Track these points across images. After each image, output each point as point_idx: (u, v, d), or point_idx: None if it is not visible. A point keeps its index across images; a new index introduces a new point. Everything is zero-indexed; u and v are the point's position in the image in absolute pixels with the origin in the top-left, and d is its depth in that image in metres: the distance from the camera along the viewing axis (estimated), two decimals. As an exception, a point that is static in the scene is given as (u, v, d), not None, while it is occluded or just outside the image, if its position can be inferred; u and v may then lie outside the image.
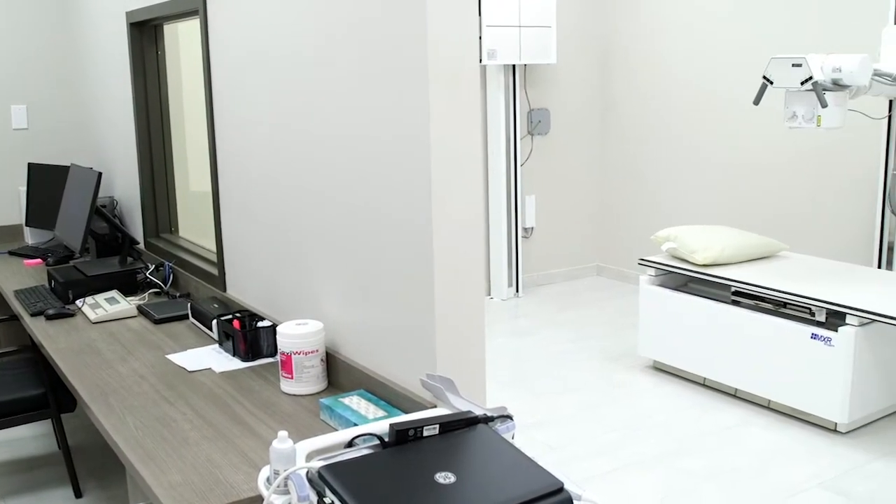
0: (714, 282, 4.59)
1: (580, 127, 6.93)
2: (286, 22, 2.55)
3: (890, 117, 4.74)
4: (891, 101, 4.71)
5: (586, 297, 6.57)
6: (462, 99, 2.02)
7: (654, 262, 4.82)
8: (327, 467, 1.58)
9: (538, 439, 4.10)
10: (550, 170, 6.83)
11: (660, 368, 4.97)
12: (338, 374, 2.48)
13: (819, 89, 4.14)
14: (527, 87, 6.57)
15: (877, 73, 4.37)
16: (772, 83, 4.28)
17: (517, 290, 6.63)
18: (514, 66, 6.34)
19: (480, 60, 6.00)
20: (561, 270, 7.04)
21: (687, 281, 4.91)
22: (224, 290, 3.32)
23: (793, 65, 4.20)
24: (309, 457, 1.71)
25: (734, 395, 4.55)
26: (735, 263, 4.69)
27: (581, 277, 7.15)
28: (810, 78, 4.14)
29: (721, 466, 3.80)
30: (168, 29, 3.86)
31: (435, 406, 2.05)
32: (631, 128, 6.75)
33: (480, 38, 5.97)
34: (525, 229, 6.75)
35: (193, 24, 3.53)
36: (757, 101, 4.39)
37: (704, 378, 4.69)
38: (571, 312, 6.17)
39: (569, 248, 7.06)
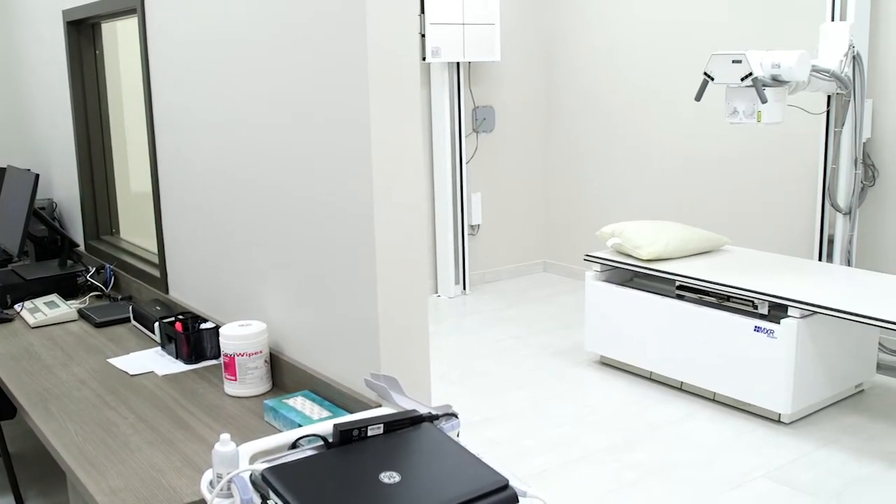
0: (659, 276, 4.63)
1: (525, 124, 6.95)
2: (224, 20, 2.52)
3: (828, 112, 4.81)
4: (829, 97, 4.78)
5: (533, 293, 6.60)
6: (402, 91, 2.01)
7: (599, 258, 4.85)
8: (271, 469, 1.56)
9: (486, 436, 4.10)
10: (496, 167, 6.84)
11: (606, 363, 5.00)
12: (282, 375, 2.46)
13: (759, 85, 4.19)
14: (471, 84, 6.58)
15: (815, 69, 4.44)
16: (713, 79, 4.32)
17: (464, 288, 6.64)
18: (458, 63, 6.34)
19: (424, 58, 6.00)
20: (508, 267, 7.06)
21: (632, 276, 4.94)
22: (166, 292, 3.28)
23: (733, 61, 4.25)
24: (252, 459, 1.69)
25: (680, 388, 4.60)
26: (679, 258, 4.74)
27: (528, 274, 7.18)
28: (750, 74, 4.19)
29: (668, 459, 3.84)
30: (107, 28, 3.80)
31: (380, 405, 2.04)
32: (576, 124, 6.79)
33: (424, 35, 5.96)
34: (471, 227, 6.76)
35: (132, 23, 3.48)
36: (698, 98, 4.43)
37: (651, 372, 4.73)
38: (519, 309, 6.18)
39: (516, 245, 7.08)
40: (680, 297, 4.49)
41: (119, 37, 3.76)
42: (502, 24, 6.65)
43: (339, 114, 2.07)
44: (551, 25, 6.84)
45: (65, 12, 3.76)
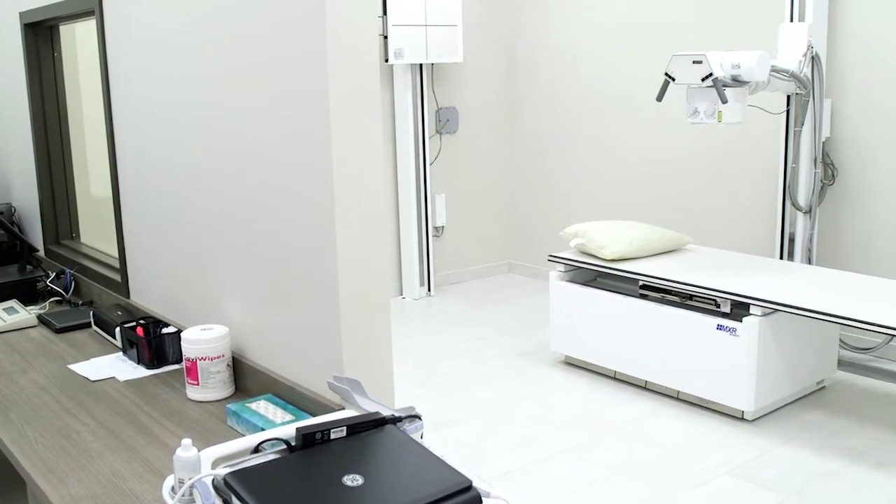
0: (622, 276, 4.65)
1: (488, 125, 6.96)
2: (183, 24, 2.50)
3: (788, 112, 4.86)
4: (788, 97, 4.83)
5: (498, 294, 6.61)
6: (363, 90, 2.00)
7: (563, 259, 4.87)
8: (233, 474, 1.55)
9: (452, 437, 4.10)
10: (460, 168, 6.85)
11: (571, 363, 5.02)
12: (245, 378, 2.44)
13: (719, 85, 4.22)
14: (434, 86, 6.58)
15: (774, 70, 4.48)
16: (674, 80, 4.35)
17: (429, 290, 6.63)
18: (420, 65, 6.34)
19: (387, 60, 5.99)
20: (473, 268, 7.06)
21: (596, 276, 4.96)
22: (128, 296, 3.25)
23: (693, 62, 4.28)
24: (215, 464, 1.68)
25: (644, 387, 4.62)
26: (642, 258, 4.76)
27: (493, 275, 7.19)
28: (711, 74, 4.22)
29: (633, 457, 3.85)
30: (65, 29, 3.76)
31: (343, 408, 2.03)
32: (539, 125, 6.81)
33: (386, 37, 5.96)
34: (436, 228, 6.76)
35: (91, 25, 3.44)
36: (660, 98, 4.46)
37: (615, 371, 4.75)
38: (483, 310, 6.19)
39: (480, 246, 7.09)
40: (643, 297, 4.51)
41: (78, 39, 3.72)
42: (465, 26, 6.66)
43: (300, 114, 2.06)
44: (514, 27, 6.86)
45: (21, 14, 3.72)
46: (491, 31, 6.83)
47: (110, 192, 3.45)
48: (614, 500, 3.50)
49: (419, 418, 1.77)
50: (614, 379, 4.76)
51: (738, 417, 4.21)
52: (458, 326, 5.82)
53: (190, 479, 1.59)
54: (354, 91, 1.99)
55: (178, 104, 2.63)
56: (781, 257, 5.01)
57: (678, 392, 4.45)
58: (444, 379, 4.86)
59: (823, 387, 4.57)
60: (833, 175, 4.99)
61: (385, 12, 5.92)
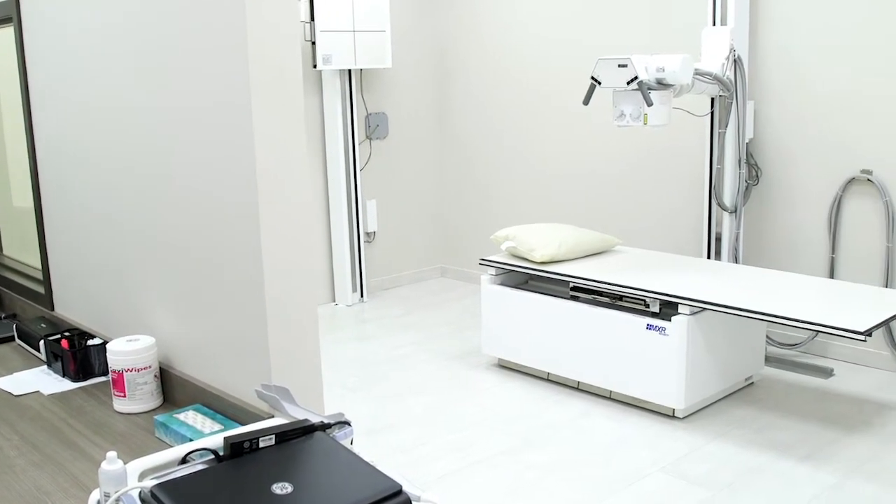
0: (553, 278, 4.68)
1: (418, 130, 6.97)
2: (103, 30, 2.47)
3: (712, 114, 4.94)
4: (713, 99, 4.91)
5: (431, 299, 6.61)
6: (285, 88, 1.99)
7: (494, 262, 4.89)
8: (160, 486, 1.53)
9: (387, 443, 4.09)
10: (390, 173, 6.84)
11: (504, 366, 5.04)
12: (173, 389, 2.41)
13: (644, 89, 4.28)
14: (363, 91, 6.56)
15: (698, 73, 4.55)
16: (600, 83, 4.40)
17: (362, 296, 6.61)
18: (349, 70, 6.32)
19: (315, 66, 5.96)
20: (405, 273, 7.06)
21: (527, 279, 4.99)
22: (52, 308, 3.18)
23: (619, 65, 4.33)
24: (141, 476, 1.65)
25: (577, 388, 4.66)
26: (572, 260, 4.80)
27: (425, 280, 7.19)
28: (636, 78, 4.27)
29: (566, 458, 3.88)
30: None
31: (272, 416, 2.01)
32: (468, 129, 6.83)
33: (314, 43, 5.93)
34: (367, 234, 6.74)
35: (8, 32, 3.37)
36: (586, 102, 4.50)
37: (547, 373, 4.78)
38: (416, 315, 6.19)
39: (412, 251, 7.09)
40: (574, 298, 4.55)
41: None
42: (393, 31, 6.66)
43: (223, 119, 2.04)
44: (442, 32, 6.87)
45: (-63, 22, 3.63)
46: (420, 36, 6.84)
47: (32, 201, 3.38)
48: (548, 501, 3.52)
49: (348, 424, 1.76)
50: (547, 380, 4.79)
51: (669, 415, 4.27)
52: (391, 332, 5.81)
53: (116, 492, 1.57)
54: (277, 91, 1.97)
55: (99, 111, 2.59)
56: (709, 257, 5.09)
57: (610, 392, 4.50)
58: (378, 385, 4.85)
59: (752, 383, 4.65)
60: (757, 175, 5.08)
61: (313, 18, 5.90)
